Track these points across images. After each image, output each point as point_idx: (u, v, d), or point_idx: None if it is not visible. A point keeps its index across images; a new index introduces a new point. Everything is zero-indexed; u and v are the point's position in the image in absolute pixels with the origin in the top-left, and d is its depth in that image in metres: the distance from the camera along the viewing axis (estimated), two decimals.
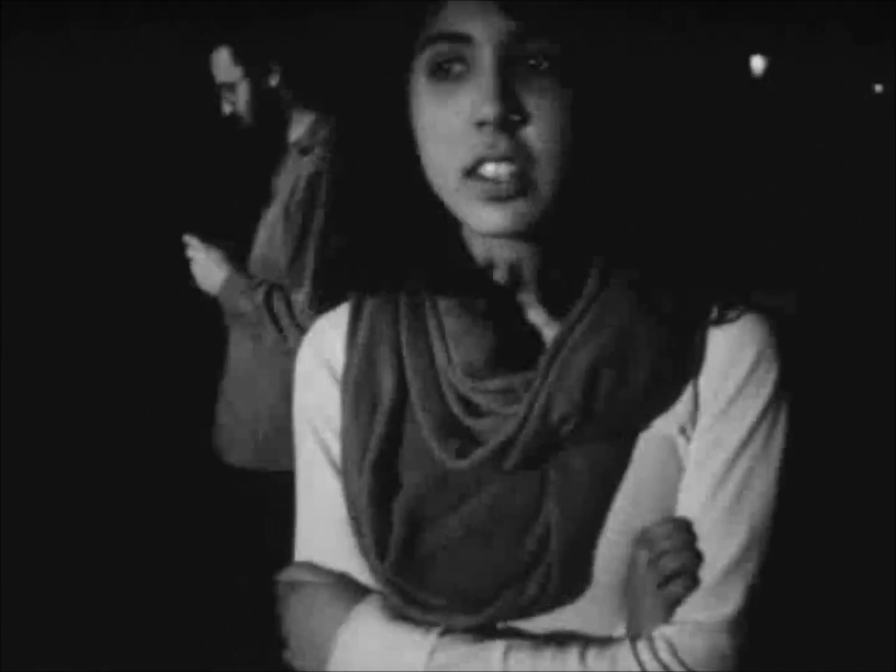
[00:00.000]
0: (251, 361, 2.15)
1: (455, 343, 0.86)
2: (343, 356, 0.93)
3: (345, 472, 0.90)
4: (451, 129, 0.78)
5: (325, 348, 0.95)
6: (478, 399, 0.84)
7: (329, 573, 0.90)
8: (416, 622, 0.85)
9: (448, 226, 0.86)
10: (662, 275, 0.84)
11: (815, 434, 0.87)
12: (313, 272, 1.90)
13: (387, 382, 0.89)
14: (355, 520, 0.88)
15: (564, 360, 0.82)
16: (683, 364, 0.84)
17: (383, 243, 0.88)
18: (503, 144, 0.76)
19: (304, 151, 2.08)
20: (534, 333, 0.87)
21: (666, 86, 0.83)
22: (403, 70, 0.82)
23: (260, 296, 2.01)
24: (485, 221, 0.78)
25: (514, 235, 0.80)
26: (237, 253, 2.11)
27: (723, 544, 0.82)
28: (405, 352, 0.89)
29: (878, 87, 7.68)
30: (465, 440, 0.84)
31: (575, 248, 0.85)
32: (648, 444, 0.84)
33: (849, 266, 4.24)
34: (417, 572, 0.84)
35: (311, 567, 0.92)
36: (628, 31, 0.80)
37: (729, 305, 0.86)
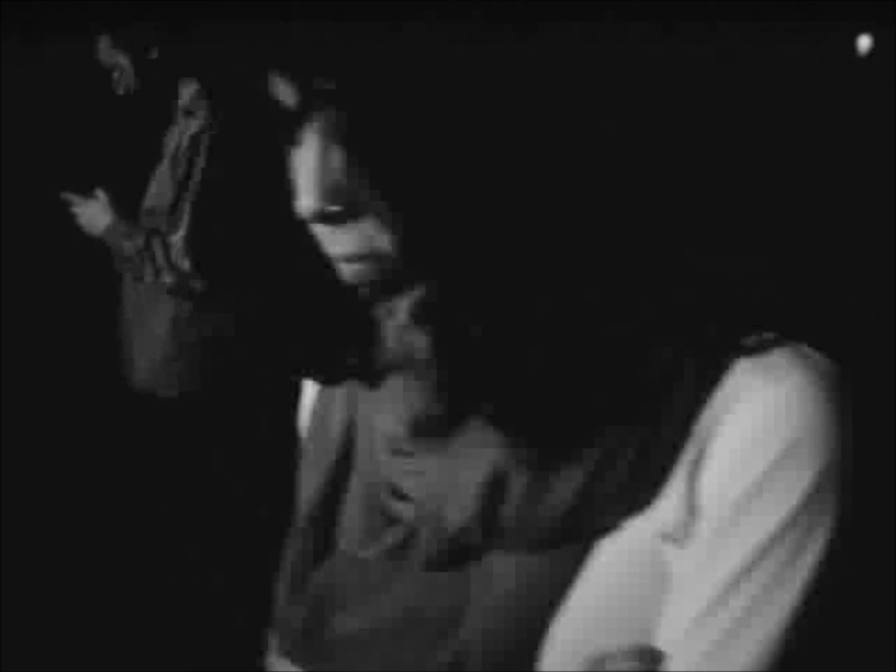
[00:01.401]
0: (138, 298, 2.39)
1: (381, 404, 0.69)
2: None
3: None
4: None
5: None
6: (396, 478, 0.68)
7: None
8: None
9: None
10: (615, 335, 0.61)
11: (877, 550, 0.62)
12: (190, 218, 2.21)
13: (334, 431, 0.74)
14: None
15: (462, 461, 0.64)
16: (661, 455, 0.62)
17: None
18: (343, 241, 0.59)
19: (189, 114, 2.28)
20: None
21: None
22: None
23: (141, 239, 2.27)
24: None
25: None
26: (124, 203, 2.37)
27: None
28: (359, 400, 0.73)
29: None
30: (384, 523, 0.68)
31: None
32: (613, 552, 0.64)
33: None
34: (322, 658, 0.71)
35: None
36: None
37: (758, 364, 0.61)
